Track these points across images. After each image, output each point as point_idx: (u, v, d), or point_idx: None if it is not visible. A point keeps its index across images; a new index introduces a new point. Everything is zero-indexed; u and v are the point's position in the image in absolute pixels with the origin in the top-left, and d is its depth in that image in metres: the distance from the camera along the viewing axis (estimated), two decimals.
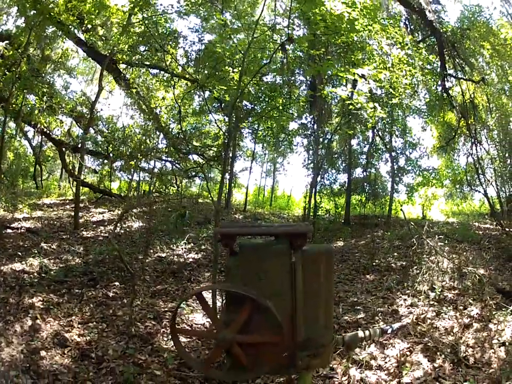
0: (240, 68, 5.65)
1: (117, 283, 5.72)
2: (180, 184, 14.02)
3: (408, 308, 5.16)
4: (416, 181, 14.39)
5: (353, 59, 6.22)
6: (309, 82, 11.57)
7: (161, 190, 13.69)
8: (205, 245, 8.50)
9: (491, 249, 7.22)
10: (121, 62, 11.11)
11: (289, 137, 14.97)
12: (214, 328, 2.84)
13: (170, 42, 9.79)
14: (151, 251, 7.62)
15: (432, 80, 9.21)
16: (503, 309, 4.42)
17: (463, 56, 10.16)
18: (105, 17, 10.43)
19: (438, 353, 3.67)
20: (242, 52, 5.55)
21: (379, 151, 14.53)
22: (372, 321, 4.76)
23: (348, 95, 4.93)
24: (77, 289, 5.25)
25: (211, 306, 4.24)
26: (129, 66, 12.01)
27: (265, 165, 21.45)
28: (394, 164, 13.53)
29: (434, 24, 8.64)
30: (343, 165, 14.60)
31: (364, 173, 14.38)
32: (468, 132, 10.95)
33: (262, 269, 2.71)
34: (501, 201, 10.91)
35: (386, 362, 3.61)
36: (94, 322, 4.34)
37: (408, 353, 3.74)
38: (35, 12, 8.16)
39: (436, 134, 14.67)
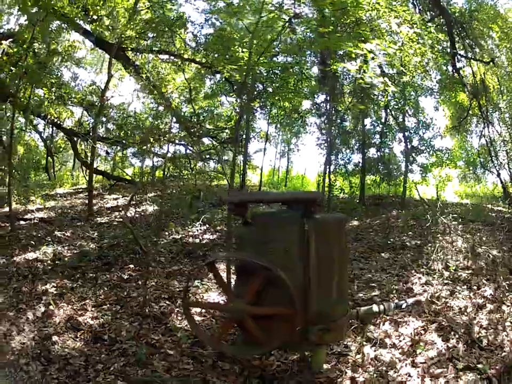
0: (249, 48, 5.55)
1: (131, 265, 5.77)
2: (194, 168, 14.02)
3: (422, 286, 5.15)
4: (430, 161, 14.19)
5: (361, 34, 6.05)
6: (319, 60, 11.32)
7: (175, 174, 13.73)
8: (220, 226, 8.53)
9: (504, 231, 7.11)
10: (129, 49, 11.07)
11: (302, 117, 14.80)
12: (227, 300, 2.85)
13: (179, 28, 9.73)
14: (166, 233, 7.68)
15: (443, 59, 8.92)
16: None
17: (472, 37, 9.88)
18: (110, 8, 10.38)
19: (452, 333, 3.65)
20: (251, 33, 5.45)
21: (392, 131, 14.31)
22: (387, 299, 4.75)
23: (357, 69, 4.81)
24: (91, 273, 5.28)
25: (225, 278, 4.27)
26: (137, 53, 11.95)
27: (279, 146, 21.31)
28: (408, 143, 13.34)
29: (442, 3, 8.38)
30: (357, 144, 14.44)
31: (378, 153, 14.21)
32: (479, 113, 10.70)
33: (273, 238, 2.67)
34: (503, 184, 10.68)
35: (400, 341, 3.59)
36: (108, 305, 4.38)
37: (422, 332, 3.73)
38: (38, 8, 8.06)
39: (449, 114, 14.38)
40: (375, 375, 2.98)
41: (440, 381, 2.91)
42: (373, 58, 5.29)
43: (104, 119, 12.49)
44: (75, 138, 12.76)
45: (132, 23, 8.81)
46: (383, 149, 14.22)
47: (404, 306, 3.27)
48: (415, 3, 9.76)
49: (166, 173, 13.96)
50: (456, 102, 12.55)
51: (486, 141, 9.78)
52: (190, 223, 8.30)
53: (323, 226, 2.73)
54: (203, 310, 4.41)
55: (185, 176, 13.27)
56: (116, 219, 8.58)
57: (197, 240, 7.44)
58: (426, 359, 3.21)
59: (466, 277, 5.25)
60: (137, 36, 10.13)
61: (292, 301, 2.59)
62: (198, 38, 10.31)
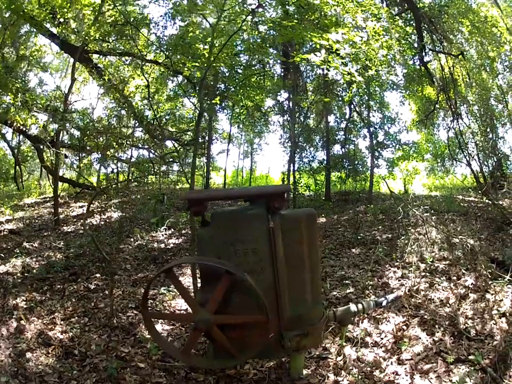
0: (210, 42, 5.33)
1: (98, 275, 5.56)
2: (158, 172, 13.73)
3: (399, 280, 5.05)
4: (396, 156, 14.38)
5: (326, 25, 5.93)
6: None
7: (139, 178, 13.45)
8: (185, 230, 8.35)
9: (479, 220, 7.17)
10: (93, 51, 10.77)
11: (265, 115, 14.70)
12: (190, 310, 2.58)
13: (142, 28, 9.54)
14: (131, 240, 7.47)
15: (410, 52, 8.99)
16: (499, 279, 4.28)
17: (441, 32, 10.03)
18: (77, 10, 10.20)
19: (437, 326, 3.52)
20: (212, 26, 5.22)
21: (357, 127, 14.40)
22: (362, 295, 4.62)
23: (322, 61, 4.66)
24: (58, 285, 5.09)
25: (190, 284, 4.02)
26: (101, 56, 11.62)
27: (242, 146, 21.18)
28: (373, 139, 13.44)
29: None
30: (321, 142, 14.46)
31: (343, 149, 14.27)
32: (447, 106, 10.89)
33: (237, 238, 2.45)
34: (484, 175, 10.93)
35: (382, 339, 3.45)
36: (76, 317, 4.16)
37: (404, 327, 3.60)
38: (10, 12, 8.04)
39: (415, 108, 14.60)
40: (359, 376, 2.81)
41: (431, 377, 2.77)
42: (336, 51, 5.16)
43: (68, 125, 11.97)
44: (40, 146, 12.21)
45: (96, 24, 8.54)
46: (347, 145, 14.32)
47: (384, 303, 3.10)
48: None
49: (130, 177, 13.72)
50: (423, 96, 12.73)
51: (455, 133, 9.92)
52: (155, 228, 8.07)
53: (291, 223, 2.51)
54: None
55: (149, 181, 13.00)
56: (82, 228, 8.24)
57: (162, 245, 7.26)
58: (413, 355, 3.07)
59: (444, 268, 5.18)
60: (101, 38, 9.88)
61: (262, 307, 2.37)
62: (160, 39, 10.05)
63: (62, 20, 9.81)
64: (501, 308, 3.68)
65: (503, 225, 6.65)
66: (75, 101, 12.75)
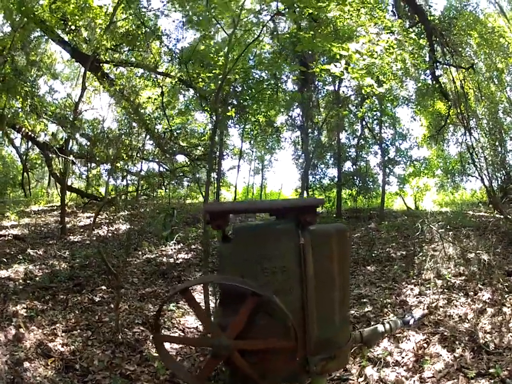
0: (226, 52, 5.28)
1: (103, 287, 5.39)
2: (168, 186, 13.66)
3: (417, 298, 4.93)
4: (408, 172, 14.22)
5: (340, 37, 5.88)
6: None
7: (148, 192, 13.39)
8: (194, 245, 8.21)
9: (492, 235, 7.00)
10: (104, 61, 10.84)
11: (277, 131, 14.66)
12: (207, 333, 2.37)
13: (154, 40, 9.61)
14: (139, 253, 7.32)
15: (423, 66, 8.90)
16: None
17: (451, 44, 10.00)
18: (89, 19, 10.25)
19: (457, 342, 3.44)
20: (228, 35, 5.19)
21: (368, 144, 14.31)
22: (381, 314, 4.49)
23: (342, 72, 4.58)
24: (62, 295, 4.92)
25: (202, 305, 3.85)
26: (112, 66, 11.70)
27: (253, 162, 21.10)
28: (385, 155, 13.34)
29: (423, 10, 8.38)
30: (332, 159, 14.37)
31: (354, 166, 14.15)
32: (459, 120, 10.78)
33: (264, 255, 2.22)
34: (493, 189, 10.75)
35: (403, 358, 3.33)
36: (79, 330, 3.98)
37: (425, 345, 3.48)
38: (20, 14, 8.02)
39: (426, 124, 14.49)
40: None
41: None
42: (355, 63, 5.10)
43: (77, 134, 12.01)
44: (49, 154, 12.23)
45: (108, 34, 8.58)
46: (359, 162, 14.20)
47: (411, 322, 2.92)
48: (395, 11, 9.78)
49: (139, 191, 13.69)
50: (434, 111, 12.62)
51: (467, 147, 9.79)
52: (164, 242, 7.93)
53: (321, 238, 2.31)
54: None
55: (158, 195, 12.91)
56: (88, 238, 8.11)
57: (171, 260, 7.09)
58: (435, 373, 2.99)
59: (460, 283, 5.06)
60: (112, 48, 9.90)
61: (290, 331, 2.16)
62: (173, 51, 10.13)
63: (73, 27, 9.88)
64: None
65: None
66: (85, 110, 12.76)
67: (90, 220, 9.90)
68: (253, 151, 19.77)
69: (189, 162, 13.93)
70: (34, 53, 11.66)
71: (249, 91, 10.34)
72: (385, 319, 3.71)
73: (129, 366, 3.41)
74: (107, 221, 9.40)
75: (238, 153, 16.63)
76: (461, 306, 4.31)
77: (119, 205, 10.42)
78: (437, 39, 8.73)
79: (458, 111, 9.87)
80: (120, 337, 3.84)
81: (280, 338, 2.18)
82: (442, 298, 4.62)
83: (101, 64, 10.82)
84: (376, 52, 5.11)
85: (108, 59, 10.72)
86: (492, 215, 8.69)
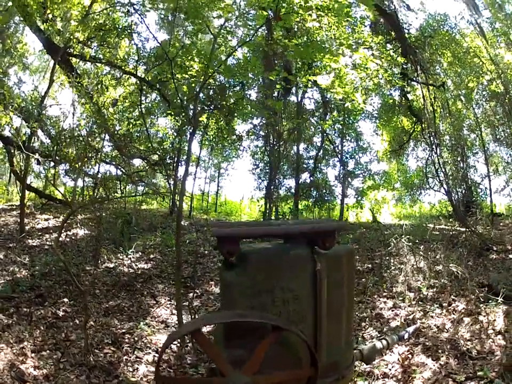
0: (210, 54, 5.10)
1: (65, 299, 5.06)
2: (124, 190, 13.15)
3: (392, 310, 4.98)
4: (366, 185, 14.56)
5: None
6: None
7: (104, 196, 12.81)
8: (153, 254, 7.94)
9: (460, 248, 7.26)
10: (74, 55, 10.39)
11: (239, 139, 14.52)
12: (220, 373, 1.98)
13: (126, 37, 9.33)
14: (99, 261, 6.95)
15: (396, 83, 9.14)
16: (489, 301, 4.40)
17: (424, 63, 10.40)
18: (66, 9, 9.86)
19: (440, 351, 3.50)
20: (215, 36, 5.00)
21: (327, 156, 14.47)
22: (359, 328, 4.51)
23: (330, 84, 4.57)
24: (25, 307, 4.57)
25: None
26: (81, 61, 11.18)
27: (209, 170, 20.81)
28: (344, 168, 13.58)
29: (400, 27, 8.65)
30: (289, 169, 14.44)
31: (311, 178, 14.24)
32: (423, 137, 11.21)
33: (276, 284, 2.05)
34: (453, 203, 11.23)
35: (390, 369, 3.33)
36: (48, 351, 3.67)
37: (409, 356, 3.51)
38: None
39: (387, 138, 15.00)
40: None
41: None
42: (342, 77, 5.12)
43: (40, 131, 11.28)
44: (11, 149, 11.37)
45: (82, 25, 8.31)
46: (316, 174, 14.35)
47: (406, 336, 2.93)
48: (372, 26, 10.00)
49: (96, 194, 13.03)
50: (397, 126, 13.10)
51: (433, 162, 10.22)
52: (123, 250, 7.58)
53: (333, 263, 2.18)
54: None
55: (114, 199, 12.43)
56: (47, 242, 7.70)
57: (131, 270, 6.82)
58: (424, 381, 3.03)
59: (433, 295, 5.19)
60: (84, 41, 9.57)
61: (303, 361, 2.03)
62: (142, 50, 9.81)
63: (50, 15, 9.47)
64: (496, 327, 3.81)
65: (482, 251, 6.86)
66: (50, 105, 12.01)
67: (48, 223, 9.42)
68: (209, 159, 19.50)
69: (146, 167, 13.53)
70: (10, 41, 11.18)
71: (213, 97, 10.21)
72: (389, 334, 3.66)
73: None
74: (65, 225, 8.85)
75: (195, 160, 16.28)
76: (437, 317, 4.41)
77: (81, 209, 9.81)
78: (411, 56, 9.01)
79: (425, 127, 10.26)
80: (91, 359, 3.56)
81: (291, 369, 2.03)
82: (418, 310, 4.70)
83: (70, 58, 10.39)
84: (376, 65, 5.13)
85: (78, 53, 10.29)
86: (453, 228, 9.01)
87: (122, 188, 13.32)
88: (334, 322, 2.16)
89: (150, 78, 10.40)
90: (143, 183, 14.24)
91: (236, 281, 2.03)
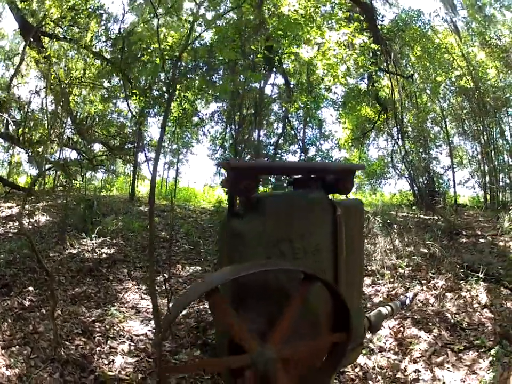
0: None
1: (30, 288, 4.71)
2: (85, 176, 12.58)
3: (372, 287, 5.03)
4: None
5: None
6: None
7: (65, 183, 12.22)
8: (116, 239, 7.62)
9: (427, 231, 7.48)
10: (46, 33, 9.76)
11: (201, 122, 14.18)
12: (243, 347, 1.63)
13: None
14: (62, 247, 6.63)
15: (369, 69, 9.21)
16: (467, 279, 4.52)
17: (394, 54, 10.58)
18: None
19: (430, 324, 3.57)
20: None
21: (288, 142, 14.28)
22: None
23: (311, 57, 4.47)
24: None
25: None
26: (52, 40, 10.50)
27: (167, 156, 20.31)
28: (305, 155, 13.60)
29: (375, 17, 8.75)
30: (249, 156, 14.34)
31: None
32: (388, 125, 11.46)
33: (295, 232, 1.78)
34: (418, 191, 11.64)
35: (385, 343, 3.32)
36: (17, 346, 3.35)
37: (401, 329, 3.52)
38: None
39: (349, 127, 15.20)
40: (386, 382, 2.56)
41: (447, 366, 2.77)
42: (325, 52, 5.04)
43: (5, 115, 10.45)
44: None
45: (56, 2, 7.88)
46: (275, 160, 14.21)
47: (407, 302, 2.90)
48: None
49: (56, 181, 12.40)
50: (360, 115, 13.31)
51: (398, 150, 10.49)
52: (86, 235, 7.26)
53: (349, 212, 1.96)
54: None
55: (74, 186, 11.89)
56: (11, 230, 7.27)
57: (95, 256, 6.52)
58: (422, 353, 3.05)
59: (410, 273, 5.28)
60: (57, 20, 9.18)
61: (345, 323, 1.79)
62: (110, 32, 9.40)
63: None
64: (480, 301, 3.92)
65: (452, 235, 7.09)
66: (19, 83, 11.13)
67: (11, 211, 8.86)
68: (169, 144, 19.00)
69: (107, 152, 13.00)
70: None
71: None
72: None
73: None
74: (27, 212, 8.27)
75: (155, 145, 15.77)
76: (420, 293, 4.47)
77: (39, 195, 9.23)
78: (382, 46, 9.15)
79: (390, 116, 10.49)
80: (63, 352, 3.26)
81: (310, 337, 1.80)
82: (398, 287, 4.77)
83: (42, 37, 9.84)
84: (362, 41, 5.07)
85: (50, 32, 9.78)
86: (416, 215, 9.32)
87: (82, 174, 12.79)
88: (350, 280, 1.99)
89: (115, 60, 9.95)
90: (103, 169, 13.72)
91: (250, 230, 1.77)
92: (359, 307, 2.24)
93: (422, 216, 9.31)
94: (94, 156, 12.81)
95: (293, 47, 5.65)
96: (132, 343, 3.64)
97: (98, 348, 3.51)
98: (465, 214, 9.75)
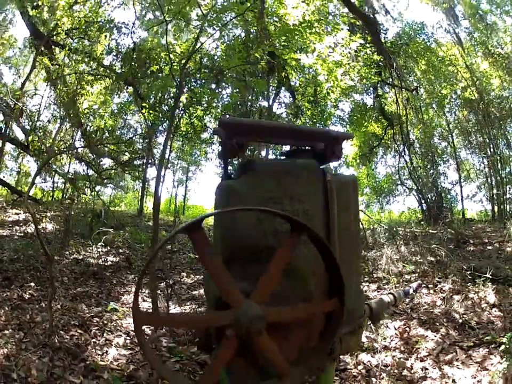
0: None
1: (32, 284, 4.77)
2: (94, 189, 12.69)
3: (378, 291, 4.97)
4: None
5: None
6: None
7: (74, 197, 12.33)
8: (122, 249, 7.84)
9: (434, 239, 7.40)
10: (57, 43, 10.14)
11: (210, 138, 14.28)
12: (223, 300, 1.55)
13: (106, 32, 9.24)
14: (67, 253, 6.80)
15: (372, 79, 9.25)
16: (474, 282, 4.41)
17: (398, 69, 10.63)
18: None
19: (437, 324, 3.46)
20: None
21: None
22: None
23: (313, 63, 4.52)
24: None
25: None
26: (63, 50, 10.85)
27: (177, 173, 20.44)
28: None
29: (377, 31, 8.83)
30: None
31: None
32: (395, 140, 11.42)
33: (284, 194, 1.79)
34: (423, 208, 11.49)
35: (390, 343, 3.21)
36: (10, 330, 3.35)
37: (407, 329, 3.40)
38: None
39: (357, 143, 15.18)
40: (391, 379, 2.43)
41: (456, 364, 2.64)
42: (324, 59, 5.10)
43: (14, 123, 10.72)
44: None
45: (68, 13, 8.33)
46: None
47: (411, 291, 2.77)
48: (349, 28, 10.11)
49: (65, 194, 12.53)
50: (367, 131, 13.28)
51: (405, 165, 10.39)
52: (92, 243, 7.30)
53: (340, 184, 1.92)
54: None
55: (83, 200, 12.03)
56: (17, 234, 7.48)
57: (100, 262, 6.62)
58: (430, 351, 2.92)
59: (415, 279, 5.18)
60: (68, 31, 9.43)
61: (338, 288, 1.69)
62: (120, 47, 9.67)
63: (40, 2, 9.19)
64: (489, 301, 3.83)
65: (460, 243, 7.06)
66: (28, 91, 11.40)
67: (18, 216, 9.17)
68: (178, 162, 19.11)
69: (116, 167, 13.15)
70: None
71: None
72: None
73: (73, 377, 2.79)
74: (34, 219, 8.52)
75: (164, 162, 15.91)
76: (426, 296, 4.40)
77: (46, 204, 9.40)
78: (386, 60, 9.17)
79: (396, 131, 10.46)
80: (56, 340, 3.23)
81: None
82: None
83: (52, 47, 10.16)
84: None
85: (61, 43, 10.10)
86: (425, 230, 9.20)
87: (91, 187, 12.92)
88: (343, 256, 1.87)
89: (125, 73, 10.19)
90: (112, 184, 13.84)
91: (244, 188, 1.77)
92: (358, 288, 2.16)
93: (430, 230, 9.23)
94: (103, 169, 12.95)
95: (294, 53, 5.70)
96: (128, 337, 3.60)
97: (94, 340, 3.48)
98: (473, 227, 9.60)
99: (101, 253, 7.04)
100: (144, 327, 3.72)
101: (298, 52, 5.77)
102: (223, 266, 1.53)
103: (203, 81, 9.99)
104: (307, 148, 2.06)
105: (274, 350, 1.58)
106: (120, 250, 7.63)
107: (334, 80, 5.31)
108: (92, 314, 4.16)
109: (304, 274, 1.75)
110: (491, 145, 11.54)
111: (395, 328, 3.45)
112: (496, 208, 11.73)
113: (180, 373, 2.89)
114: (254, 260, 1.64)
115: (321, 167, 1.95)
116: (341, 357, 2.97)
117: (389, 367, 2.70)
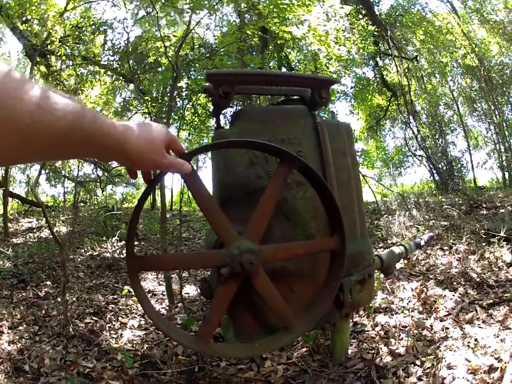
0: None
1: (48, 282, 4.80)
2: (105, 189, 12.82)
3: None
4: None
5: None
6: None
7: (85, 200, 12.52)
8: (137, 241, 7.83)
9: (447, 204, 7.30)
10: (52, 52, 10.14)
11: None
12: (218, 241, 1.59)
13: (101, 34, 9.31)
14: (82, 251, 6.87)
15: (369, 49, 9.03)
16: (489, 242, 4.30)
17: (395, 40, 10.46)
18: (43, 11, 9.71)
19: (455, 283, 3.37)
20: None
21: None
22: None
23: (304, 34, 4.41)
24: (6, 291, 4.33)
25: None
26: (58, 58, 10.93)
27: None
28: None
29: (371, 4, 8.64)
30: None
31: None
32: (400, 111, 11.27)
33: (276, 137, 1.83)
34: (435, 178, 11.37)
35: (408, 304, 3.13)
36: (25, 325, 3.34)
37: (424, 289, 3.32)
38: None
39: (363, 117, 14.95)
40: (411, 340, 2.36)
41: (477, 323, 2.52)
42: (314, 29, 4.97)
43: None
44: None
45: (59, 22, 8.45)
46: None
47: (422, 243, 2.70)
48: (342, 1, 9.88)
49: (76, 198, 12.71)
50: (372, 104, 13.04)
51: (414, 134, 10.22)
52: (107, 238, 7.39)
53: (332, 128, 1.97)
54: None
55: (94, 201, 12.17)
56: (31, 240, 7.56)
57: (115, 255, 6.62)
58: (449, 310, 2.81)
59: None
60: (61, 39, 9.55)
61: (337, 225, 1.67)
62: (116, 46, 9.66)
63: (29, 17, 9.46)
64: (506, 260, 3.73)
65: (472, 208, 6.99)
66: None
67: (31, 224, 9.34)
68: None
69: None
70: None
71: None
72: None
73: (87, 362, 2.75)
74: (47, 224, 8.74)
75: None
76: (442, 257, 4.34)
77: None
78: (382, 32, 8.97)
79: (400, 101, 10.28)
80: (71, 329, 3.20)
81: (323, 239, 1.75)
82: (419, 253, 4.59)
83: (49, 56, 10.27)
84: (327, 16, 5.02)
85: (55, 51, 10.17)
86: (437, 200, 9.08)
87: (102, 187, 13.08)
88: (343, 199, 1.88)
89: (125, 72, 10.22)
90: (124, 182, 13.95)
91: (233, 134, 1.81)
92: (364, 231, 2.09)
93: (443, 199, 9.11)
94: (111, 168, 13.05)
95: (285, 26, 5.55)
96: (143, 319, 3.58)
97: (109, 325, 3.47)
98: (485, 195, 9.47)
99: (116, 246, 7.12)
100: (159, 307, 3.77)
101: (288, 24, 5.68)
102: (217, 205, 1.55)
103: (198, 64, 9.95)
104: (296, 97, 2.07)
105: (275, 295, 1.57)
106: (136, 242, 7.63)
107: (326, 48, 5.17)
108: (108, 301, 4.19)
109: (304, 217, 1.76)
110: (496, 112, 11.32)
111: (412, 289, 3.38)
112: (507, 175, 11.56)
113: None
114: (249, 204, 1.64)
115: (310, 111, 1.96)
116: (357, 318, 2.93)
117: (408, 328, 2.63)
